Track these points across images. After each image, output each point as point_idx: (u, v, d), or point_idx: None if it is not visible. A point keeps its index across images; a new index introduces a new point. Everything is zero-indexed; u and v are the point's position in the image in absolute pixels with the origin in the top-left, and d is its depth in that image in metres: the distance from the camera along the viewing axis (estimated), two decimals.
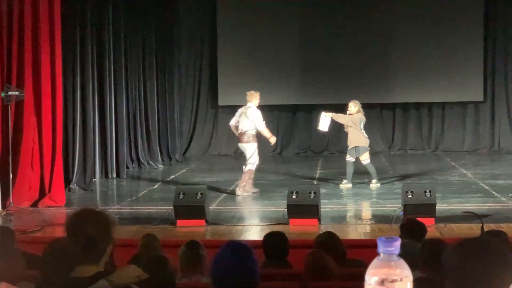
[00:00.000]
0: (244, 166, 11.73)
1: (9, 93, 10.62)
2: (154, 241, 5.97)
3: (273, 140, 12.12)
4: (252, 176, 11.72)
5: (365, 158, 12.21)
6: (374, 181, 12.21)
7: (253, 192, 11.68)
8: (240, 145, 11.82)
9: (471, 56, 17.28)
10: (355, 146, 12.15)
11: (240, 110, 11.98)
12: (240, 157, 17.70)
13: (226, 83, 17.77)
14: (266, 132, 11.84)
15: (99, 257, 2.99)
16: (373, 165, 12.38)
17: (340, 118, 12.39)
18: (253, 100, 11.87)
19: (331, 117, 12.29)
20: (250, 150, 11.62)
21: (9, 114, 10.76)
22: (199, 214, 9.31)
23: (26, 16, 11.05)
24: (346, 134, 12.48)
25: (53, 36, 11.27)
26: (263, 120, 11.81)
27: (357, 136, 12.16)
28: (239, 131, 11.74)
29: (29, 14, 11.08)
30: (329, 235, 5.88)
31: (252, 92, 12.03)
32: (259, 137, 11.88)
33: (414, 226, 5.83)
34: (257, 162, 11.71)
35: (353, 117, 12.22)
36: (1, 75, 10.81)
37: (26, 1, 11.04)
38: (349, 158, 12.24)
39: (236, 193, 11.58)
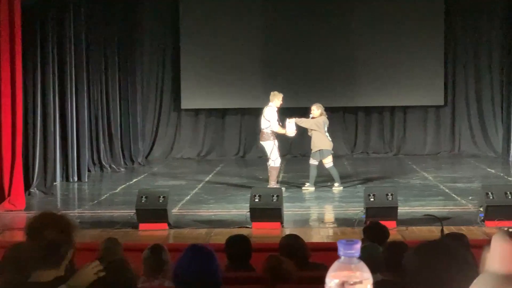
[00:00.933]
0: (267, 164, 12.15)
1: None
2: (116, 245, 5.92)
3: (289, 132, 12.29)
4: (277, 172, 12.24)
5: (328, 162, 12.28)
6: (336, 184, 12.28)
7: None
8: (260, 143, 12.43)
9: (432, 60, 17.49)
10: (319, 149, 12.21)
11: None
12: (202, 160, 17.75)
13: (189, 86, 17.73)
14: (280, 130, 12.15)
15: (59, 261, 2.95)
16: (336, 168, 12.45)
17: (303, 122, 12.47)
18: (274, 100, 12.24)
19: (295, 122, 12.35)
20: (268, 147, 12.10)
21: None
22: (161, 217, 9.27)
23: None
24: (309, 137, 12.54)
25: (13, 37, 11.11)
26: (276, 120, 12.10)
27: (321, 139, 12.23)
28: (260, 130, 12.24)
29: None
30: (294, 238, 5.90)
31: (275, 92, 12.40)
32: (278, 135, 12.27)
33: (377, 229, 5.87)
34: (279, 158, 12.16)
35: (317, 120, 12.29)
36: None
37: None
38: (313, 162, 12.30)
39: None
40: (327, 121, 12.41)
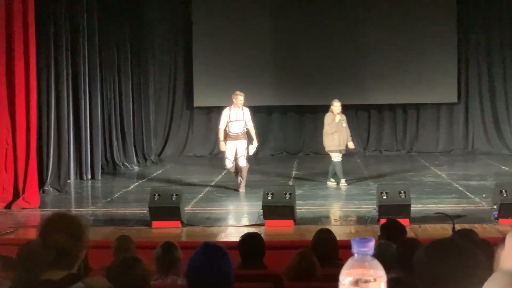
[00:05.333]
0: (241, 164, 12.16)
1: None
2: (129, 243, 5.95)
3: (220, 144, 12.21)
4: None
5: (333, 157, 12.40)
6: (332, 180, 12.50)
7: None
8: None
9: (445, 57, 17.43)
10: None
11: None
12: (215, 158, 17.76)
13: (202, 84, 17.76)
14: (220, 134, 12.12)
15: (71, 263, 2.95)
16: (341, 165, 12.49)
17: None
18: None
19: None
20: (243, 146, 12.14)
21: None
22: (174, 215, 9.29)
23: None
24: (321, 135, 12.58)
25: (27, 36, 11.17)
26: (223, 120, 12.06)
27: (324, 138, 12.43)
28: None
29: (2, 14, 10.97)
30: (327, 232, 5.89)
31: (235, 92, 12.36)
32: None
33: (394, 226, 5.86)
34: (226, 159, 12.07)
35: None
36: None
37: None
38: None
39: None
40: (329, 118, 12.40)
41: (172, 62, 18.16)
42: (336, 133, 12.31)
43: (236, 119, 11.99)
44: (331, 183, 12.48)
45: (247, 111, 12.15)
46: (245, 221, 9.53)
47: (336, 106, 12.35)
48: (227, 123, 12.00)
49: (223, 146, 12.06)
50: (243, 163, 12.02)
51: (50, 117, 12.88)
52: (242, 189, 12.06)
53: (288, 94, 17.67)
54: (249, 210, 10.30)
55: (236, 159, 12.00)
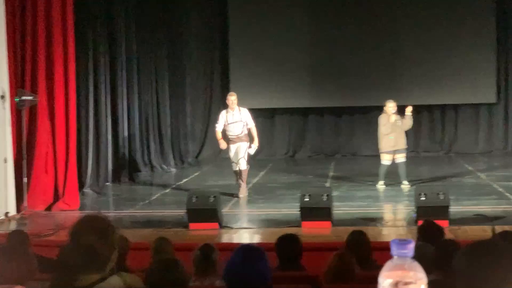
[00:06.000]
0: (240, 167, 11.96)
1: (23, 98, 10.70)
2: (167, 245, 5.98)
3: (220, 143, 11.96)
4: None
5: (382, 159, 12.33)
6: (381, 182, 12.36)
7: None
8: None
9: (483, 57, 17.20)
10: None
11: None
12: (252, 160, 17.76)
13: (238, 86, 17.75)
14: (217, 135, 11.96)
15: (102, 266, 2.97)
16: (383, 167, 12.40)
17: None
18: None
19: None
20: (244, 148, 11.91)
21: (23, 119, 10.83)
22: (212, 217, 9.33)
23: (39, 22, 11.13)
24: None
25: (66, 41, 11.34)
26: (219, 123, 11.92)
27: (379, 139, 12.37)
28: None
29: (42, 20, 11.15)
30: (360, 234, 5.88)
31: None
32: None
33: (432, 228, 5.81)
34: (232, 163, 11.97)
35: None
36: (15, 80, 10.89)
37: (39, 7, 11.12)
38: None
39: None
40: (384, 119, 12.30)
41: (209, 65, 18.20)
42: (392, 133, 12.19)
43: (233, 121, 11.73)
44: (405, 185, 12.21)
45: (245, 111, 11.91)
46: (282, 223, 9.51)
47: (390, 106, 12.20)
48: (225, 125, 11.77)
49: (222, 144, 11.76)
50: (243, 165, 11.73)
51: (89, 121, 13.04)
52: (242, 194, 11.76)
53: (324, 95, 17.61)
54: (286, 212, 10.28)
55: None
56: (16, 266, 3.82)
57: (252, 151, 11.92)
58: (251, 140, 11.89)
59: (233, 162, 11.88)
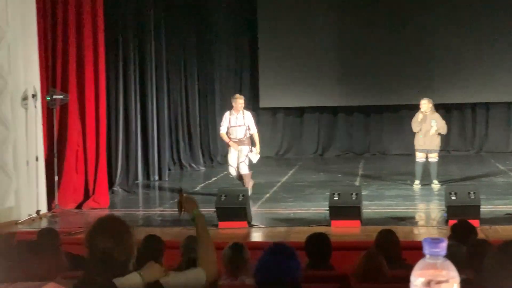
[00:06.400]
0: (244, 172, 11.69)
1: (54, 97, 10.81)
2: (196, 243, 5.99)
3: (231, 144, 11.66)
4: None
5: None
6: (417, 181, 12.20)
7: None
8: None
9: None
10: None
11: None
12: (281, 159, 17.78)
13: (267, 85, 17.79)
14: (224, 137, 11.71)
15: (120, 270, 2.94)
16: (416, 166, 12.30)
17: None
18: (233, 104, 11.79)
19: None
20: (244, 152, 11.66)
21: (54, 118, 10.94)
22: (241, 216, 9.34)
23: (70, 22, 11.24)
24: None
25: (96, 40, 11.44)
26: (223, 125, 11.67)
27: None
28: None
29: (73, 20, 11.27)
30: (389, 233, 5.85)
31: (234, 95, 12.11)
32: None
33: (464, 228, 5.77)
34: (229, 166, 11.70)
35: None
36: (46, 79, 11.00)
37: (70, 7, 11.23)
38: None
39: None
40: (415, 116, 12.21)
41: (238, 64, 18.23)
42: (421, 132, 12.10)
43: (236, 124, 11.51)
44: (435, 185, 12.10)
45: (248, 115, 11.69)
46: (311, 222, 9.49)
47: (421, 103, 12.12)
48: (228, 128, 11.53)
49: (234, 144, 11.51)
50: (244, 170, 11.51)
51: (119, 120, 13.14)
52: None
53: (353, 94, 17.54)
54: (315, 211, 10.26)
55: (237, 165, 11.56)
56: (46, 262, 3.86)
57: (255, 159, 11.61)
58: (252, 144, 11.65)
59: (230, 165, 11.62)
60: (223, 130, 11.61)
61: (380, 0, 17.41)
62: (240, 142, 11.55)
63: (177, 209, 3.52)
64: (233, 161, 11.59)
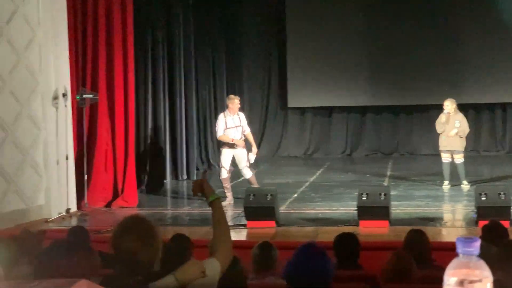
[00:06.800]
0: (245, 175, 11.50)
1: (84, 96, 10.91)
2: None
3: (236, 142, 11.30)
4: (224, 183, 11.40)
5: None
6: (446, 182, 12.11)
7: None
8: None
9: None
10: None
11: None
12: (309, 159, 17.75)
13: (296, 84, 17.76)
14: (225, 138, 11.28)
15: (147, 269, 2.93)
16: (444, 167, 12.22)
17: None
18: (228, 105, 11.49)
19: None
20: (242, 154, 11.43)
21: (84, 117, 11.04)
22: (269, 215, 9.34)
23: (100, 22, 11.33)
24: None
25: (125, 40, 11.52)
26: (221, 128, 11.28)
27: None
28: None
29: (103, 21, 11.36)
30: (419, 233, 5.81)
31: (229, 96, 11.93)
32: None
33: (496, 229, 5.72)
34: (221, 168, 11.41)
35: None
36: (76, 78, 11.10)
37: (100, 8, 11.31)
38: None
39: None
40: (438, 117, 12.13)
41: (266, 63, 18.23)
42: (445, 132, 12.02)
43: (234, 125, 11.24)
44: (465, 185, 12.01)
45: (242, 116, 11.47)
46: (339, 222, 9.47)
47: (445, 105, 12.04)
48: (224, 130, 11.23)
49: (238, 141, 11.22)
50: (248, 174, 11.33)
51: (147, 119, 13.23)
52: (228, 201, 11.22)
53: (382, 94, 17.45)
54: (343, 211, 10.23)
55: (239, 170, 11.37)
56: (77, 260, 3.88)
57: (252, 158, 11.40)
58: (248, 146, 11.43)
59: (222, 167, 11.34)
60: (221, 133, 11.22)
61: (410, 0, 17.28)
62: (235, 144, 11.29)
63: (193, 189, 3.44)
64: (227, 163, 11.31)
